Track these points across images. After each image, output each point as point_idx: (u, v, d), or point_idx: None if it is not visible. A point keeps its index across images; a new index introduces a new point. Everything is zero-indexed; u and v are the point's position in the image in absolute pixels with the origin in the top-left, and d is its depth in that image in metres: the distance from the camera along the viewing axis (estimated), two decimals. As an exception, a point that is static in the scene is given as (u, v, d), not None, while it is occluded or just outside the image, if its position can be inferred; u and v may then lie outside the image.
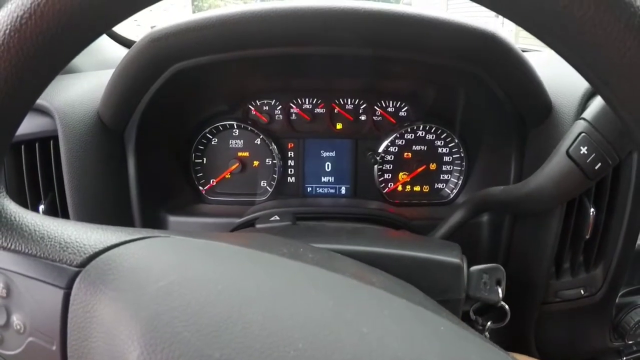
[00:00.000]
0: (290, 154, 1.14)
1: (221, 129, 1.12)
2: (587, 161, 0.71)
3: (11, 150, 0.91)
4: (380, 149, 1.11)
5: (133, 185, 0.95)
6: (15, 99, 0.38)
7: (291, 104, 1.12)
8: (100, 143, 0.90)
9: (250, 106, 1.12)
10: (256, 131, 1.11)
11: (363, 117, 1.12)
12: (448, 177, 1.13)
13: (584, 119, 0.73)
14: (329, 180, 1.15)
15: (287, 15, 0.76)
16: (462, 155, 1.11)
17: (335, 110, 1.12)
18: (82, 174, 0.87)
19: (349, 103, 1.12)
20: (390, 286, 0.52)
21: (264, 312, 0.34)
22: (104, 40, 1.32)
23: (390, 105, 1.12)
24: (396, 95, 1.11)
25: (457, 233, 0.89)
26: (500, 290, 0.71)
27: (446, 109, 1.07)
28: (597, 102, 0.73)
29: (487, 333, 0.80)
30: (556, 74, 0.88)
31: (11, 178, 0.92)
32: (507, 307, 0.75)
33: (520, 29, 0.36)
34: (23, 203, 0.92)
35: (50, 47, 0.37)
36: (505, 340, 1.00)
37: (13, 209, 0.42)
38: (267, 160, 1.14)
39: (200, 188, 1.14)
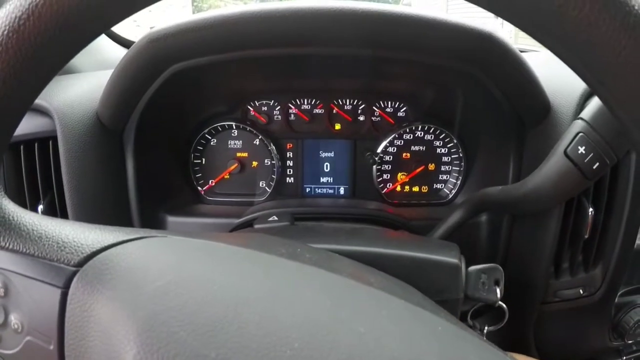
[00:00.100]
0: (289, 154, 1.14)
1: (220, 129, 1.12)
2: (585, 161, 0.71)
3: (10, 151, 0.91)
4: (379, 150, 1.11)
5: (132, 186, 0.95)
6: (14, 99, 0.38)
7: (290, 105, 1.12)
8: (99, 143, 0.90)
9: (249, 107, 1.12)
10: (255, 132, 1.11)
11: (362, 118, 1.12)
12: (447, 177, 1.13)
13: (581, 118, 0.73)
14: (327, 180, 1.16)
15: (286, 15, 0.76)
16: (461, 155, 1.11)
17: (334, 111, 1.13)
18: (81, 174, 0.87)
19: (348, 103, 1.12)
20: (388, 286, 0.52)
21: (260, 312, 0.34)
22: (103, 40, 1.32)
23: (389, 106, 1.12)
24: (395, 96, 1.11)
25: (455, 233, 0.89)
26: (498, 291, 0.71)
27: (445, 109, 1.07)
28: (595, 102, 0.73)
29: (484, 338, 0.80)
30: (554, 74, 0.88)
31: (10, 178, 0.92)
32: (505, 306, 0.75)
33: (519, 29, 0.36)
34: (22, 203, 0.92)
35: (48, 47, 0.37)
36: (504, 340, 1.00)
37: (11, 208, 0.42)
38: (265, 161, 1.14)
39: (199, 188, 1.14)
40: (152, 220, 1.00)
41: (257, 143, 1.13)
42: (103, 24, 0.39)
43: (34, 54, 0.36)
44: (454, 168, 1.12)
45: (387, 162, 1.13)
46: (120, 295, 0.36)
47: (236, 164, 1.12)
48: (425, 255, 0.68)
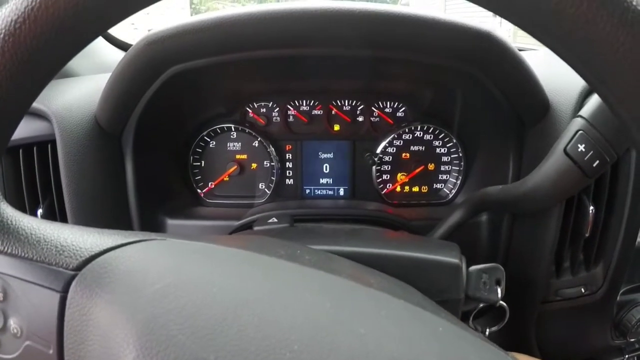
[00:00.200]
0: (288, 156, 1.14)
1: (219, 131, 1.12)
2: (585, 159, 0.71)
3: (9, 155, 0.91)
4: (378, 150, 1.11)
5: (131, 189, 0.95)
6: (11, 103, 0.38)
7: (288, 106, 1.12)
8: (98, 147, 0.90)
9: (247, 108, 1.12)
10: (254, 133, 1.11)
11: (360, 118, 1.12)
12: (446, 177, 1.13)
13: (581, 116, 0.73)
14: (327, 181, 1.15)
15: (284, 16, 0.76)
16: (460, 155, 1.10)
17: (333, 112, 1.12)
18: (80, 177, 0.87)
19: (347, 104, 1.12)
20: (388, 287, 0.52)
21: (259, 314, 0.34)
22: (101, 43, 1.32)
23: (388, 106, 1.12)
24: (393, 96, 1.11)
25: (456, 233, 0.89)
26: (499, 290, 0.71)
27: (444, 109, 1.06)
28: (594, 100, 0.73)
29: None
30: (553, 72, 0.88)
31: (9, 182, 0.92)
32: (506, 306, 0.75)
33: (517, 28, 0.36)
34: (21, 207, 0.93)
35: (44, 51, 0.37)
36: (505, 340, 1.00)
37: (9, 212, 0.42)
38: (265, 163, 1.14)
39: (199, 191, 1.14)
40: (151, 223, 1.00)
41: (256, 145, 1.13)
42: (99, 27, 0.39)
43: (31, 57, 0.36)
44: (453, 168, 1.12)
45: (386, 163, 1.13)
46: (119, 298, 0.36)
47: (235, 166, 1.12)
48: (425, 256, 0.68)
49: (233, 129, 1.12)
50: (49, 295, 0.38)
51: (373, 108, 1.12)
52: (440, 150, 1.12)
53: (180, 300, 0.34)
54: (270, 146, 1.11)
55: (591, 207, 0.88)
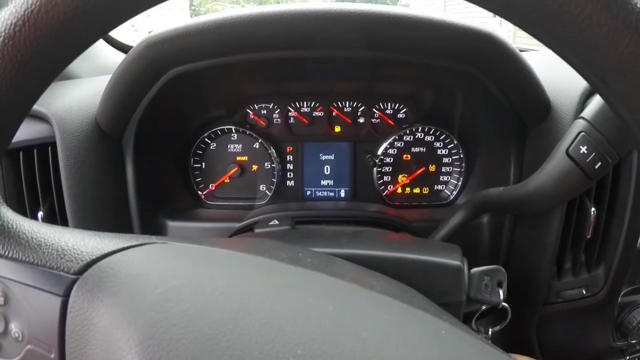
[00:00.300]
0: (289, 157, 1.14)
1: (219, 133, 1.12)
2: (587, 160, 0.71)
3: (9, 157, 0.91)
4: (379, 152, 1.11)
5: (132, 191, 0.95)
6: (11, 106, 0.38)
7: (289, 108, 1.12)
8: (99, 149, 0.90)
9: (248, 110, 1.12)
10: (254, 135, 1.11)
11: (361, 120, 1.12)
12: (448, 178, 1.13)
13: (583, 118, 0.73)
14: (328, 183, 1.15)
15: (284, 18, 0.76)
16: (462, 156, 1.10)
17: (334, 113, 1.12)
18: (80, 180, 0.87)
19: (347, 106, 1.12)
20: (390, 290, 0.52)
21: (262, 318, 0.33)
22: (101, 46, 1.32)
23: (389, 108, 1.12)
24: (394, 98, 1.11)
25: (457, 235, 0.89)
26: (501, 292, 0.71)
27: (445, 110, 1.06)
28: (596, 101, 0.73)
29: (489, 341, 0.80)
30: (554, 73, 0.88)
31: (10, 184, 0.92)
32: (508, 307, 0.75)
33: (518, 28, 0.36)
34: (22, 210, 0.92)
35: (44, 54, 0.36)
36: (507, 341, 1.00)
37: (10, 216, 0.42)
38: (265, 164, 1.13)
39: (199, 193, 1.14)
40: (152, 225, 1.00)
41: (257, 146, 1.13)
42: (99, 30, 0.39)
43: (30, 60, 0.36)
44: (454, 169, 1.12)
45: (387, 164, 1.13)
46: (121, 302, 0.36)
47: (236, 168, 1.12)
48: (427, 258, 0.68)
49: (234, 131, 1.12)
50: (50, 299, 0.38)
51: (374, 109, 1.12)
52: (441, 151, 1.12)
53: (183, 305, 0.34)
54: (271, 148, 1.11)
55: (593, 209, 0.88)
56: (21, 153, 0.91)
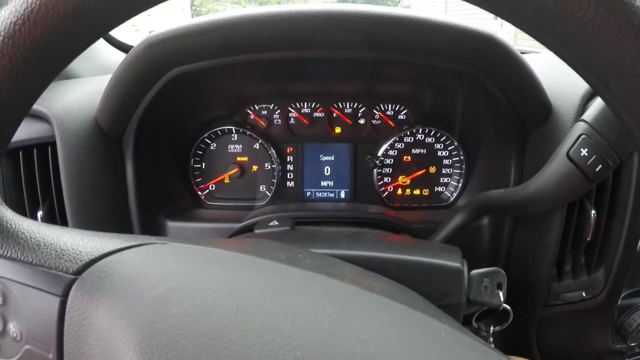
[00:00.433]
0: (289, 158, 1.14)
1: (220, 133, 1.11)
2: (588, 163, 0.71)
3: (9, 157, 0.91)
4: (380, 153, 1.11)
5: (131, 191, 0.94)
6: (10, 105, 0.38)
7: (290, 108, 1.12)
8: (98, 149, 0.90)
9: (248, 111, 1.12)
10: (255, 136, 1.11)
11: (362, 121, 1.12)
12: (448, 180, 1.12)
13: (584, 120, 0.73)
14: (328, 184, 1.15)
15: (285, 18, 0.76)
16: (462, 158, 1.10)
17: (334, 114, 1.12)
18: (80, 179, 0.87)
19: (348, 107, 1.12)
20: (390, 291, 0.52)
21: (261, 319, 0.33)
22: (102, 45, 1.32)
23: (389, 109, 1.11)
24: (395, 99, 1.11)
25: (457, 236, 0.89)
26: (501, 294, 0.71)
27: (445, 112, 1.06)
28: (597, 104, 0.73)
29: (491, 338, 0.80)
30: (555, 75, 0.88)
31: (9, 184, 0.92)
32: (509, 308, 0.75)
33: (518, 31, 0.35)
34: (21, 209, 0.92)
35: (44, 53, 0.36)
36: (507, 343, 1.00)
37: (9, 216, 0.42)
38: (266, 165, 1.13)
39: (199, 193, 1.14)
40: (152, 226, 1.00)
41: (257, 147, 1.13)
42: (99, 29, 0.39)
43: (30, 59, 0.36)
44: (455, 171, 1.12)
45: (387, 166, 1.13)
46: (120, 303, 0.35)
47: (236, 168, 1.11)
48: (427, 260, 0.68)
49: (234, 131, 1.12)
50: (48, 299, 0.38)
51: (374, 110, 1.12)
52: (441, 153, 1.12)
53: (182, 305, 0.34)
54: (271, 148, 1.11)
55: (593, 211, 0.87)
56: (21, 153, 0.91)
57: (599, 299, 0.96)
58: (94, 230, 0.45)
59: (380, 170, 1.13)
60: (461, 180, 1.11)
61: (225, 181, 1.13)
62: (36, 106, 0.88)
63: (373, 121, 1.12)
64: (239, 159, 1.13)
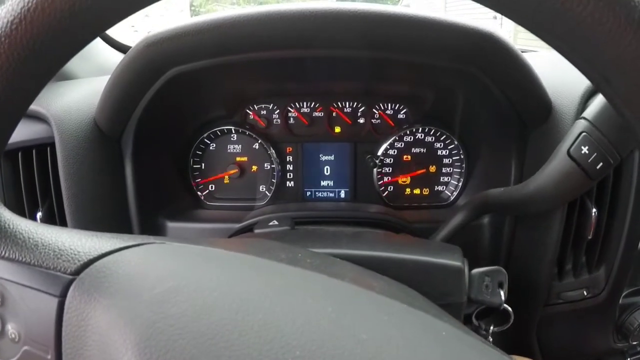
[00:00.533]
0: (289, 158, 1.14)
1: (219, 133, 1.11)
2: (589, 161, 0.71)
3: (8, 158, 0.91)
4: (379, 152, 1.11)
5: (131, 191, 0.94)
6: (7, 105, 0.38)
7: (289, 108, 1.12)
8: (97, 149, 0.89)
9: (248, 110, 1.12)
10: (254, 136, 1.11)
11: (361, 120, 1.12)
12: (448, 179, 1.12)
13: (584, 118, 0.73)
14: (328, 184, 1.15)
15: (284, 17, 0.75)
16: (462, 157, 1.10)
17: (334, 114, 1.12)
18: (79, 180, 0.87)
19: (347, 106, 1.12)
20: (390, 291, 0.51)
21: (261, 319, 0.33)
22: (100, 46, 1.32)
23: (389, 108, 1.11)
24: (394, 98, 1.11)
25: (457, 235, 0.89)
26: (502, 293, 0.71)
27: (445, 111, 1.06)
28: (598, 101, 0.73)
29: (490, 338, 0.79)
30: (555, 74, 0.87)
31: (8, 185, 0.92)
32: (510, 309, 0.75)
33: (518, 29, 0.35)
34: (20, 210, 0.92)
35: (41, 52, 0.36)
36: (507, 342, 1.00)
37: (7, 216, 0.42)
38: (265, 165, 1.13)
39: (199, 193, 1.13)
40: (151, 226, 1.00)
41: (257, 147, 1.12)
42: (96, 28, 0.39)
43: (27, 58, 0.36)
44: (455, 170, 1.11)
45: (387, 165, 1.12)
46: (118, 303, 0.35)
47: (236, 169, 1.11)
48: (427, 259, 0.67)
49: (233, 131, 1.11)
50: (47, 300, 0.38)
51: (374, 110, 1.11)
52: (441, 152, 1.11)
53: (180, 305, 0.34)
54: (271, 148, 1.11)
55: (594, 210, 0.87)
56: (20, 154, 0.90)
57: (600, 298, 0.96)
58: (94, 231, 0.45)
59: (380, 170, 1.12)
60: (461, 180, 1.11)
61: (225, 181, 1.13)
62: (35, 107, 0.88)
63: (373, 120, 1.12)
64: (238, 159, 1.13)
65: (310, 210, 1.09)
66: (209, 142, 1.12)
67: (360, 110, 1.12)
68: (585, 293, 0.95)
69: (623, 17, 0.28)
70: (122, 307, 0.35)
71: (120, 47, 1.38)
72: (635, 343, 1.07)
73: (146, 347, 0.31)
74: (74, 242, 0.41)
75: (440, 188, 1.13)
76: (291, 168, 1.14)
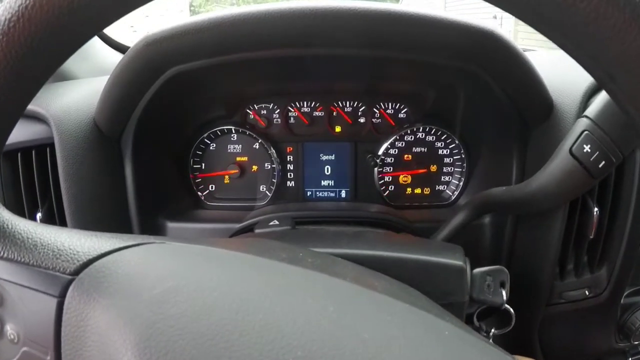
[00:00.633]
0: (289, 157, 1.14)
1: (219, 133, 1.11)
2: (591, 159, 0.70)
3: (8, 158, 0.91)
4: (380, 152, 1.10)
5: (131, 192, 0.94)
6: (6, 103, 0.38)
7: (289, 108, 1.11)
8: (97, 149, 0.89)
9: (248, 110, 1.12)
10: (254, 135, 1.10)
11: (362, 120, 1.12)
12: (449, 178, 1.12)
13: (586, 116, 0.72)
14: (328, 183, 1.15)
15: (284, 16, 0.75)
16: (463, 156, 1.10)
17: (334, 113, 1.12)
18: (78, 180, 0.87)
19: (348, 105, 1.11)
20: (392, 290, 0.51)
21: (261, 319, 0.33)
22: (100, 46, 1.32)
23: (390, 107, 1.11)
24: (395, 97, 1.10)
25: (459, 235, 0.88)
26: (504, 293, 0.71)
27: (446, 110, 1.06)
28: (600, 100, 0.72)
29: (491, 340, 0.79)
30: (556, 73, 0.87)
31: (8, 186, 0.92)
32: (511, 310, 0.74)
33: (518, 29, 0.35)
34: (20, 211, 0.92)
35: (39, 50, 0.36)
36: (509, 342, 0.99)
37: (6, 216, 0.41)
38: (266, 165, 1.13)
39: (199, 193, 1.13)
40: (151, 227, 0.99)
41: (257, 147, 1.12)
42: (95, 26, 0.39)
43: (25, 56, 0.35)
44: (456, 169, 1.11)
45: (388, 164, 1.12)
46: (118, 303, 0.35)
47: (236, 169, 1.11)
48: (429, 258, 0.67)
49: (233, 131, 1.11)
50: (46, 300, 0.38)
51: (375, 109, 1.11)
52: (442, 151, 1.11)
53: (180, 305, 0.34)
54: (271, 148, 1.11)
55: (595, 209, 0.87)
56: (19, 154, 0.90)
57: (601, 298, 0.96)
58: (93, 231, 0.45)
59: (380, 169, 1.12)
60: (462, 179, 1.11)
61: (225, 181, 1.13)
62: (34, 107, 0.88)
63: (373, 120, 1.11)
64: (238, 159, 1.13)
65: (310, 210, 1.09)
66: (209, 142, 1.12)
67: (360, 110, 1.11)
68: (587, 293, 0.95)
69: (628, 12, 0.28)
70: (122, 308, 0.34)
71: (120, 48, 1.37)
72: (636, 343, 1.06)
73: (146, 348, 0.31)
74: (73, 242, 0.41)
75: (441, 187, 1.13)
76: (291, 168, 1.14)
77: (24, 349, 0.40)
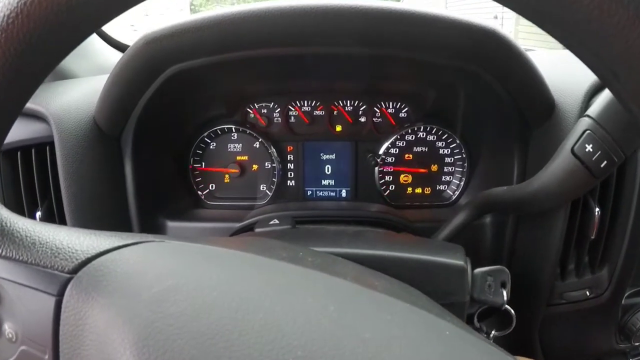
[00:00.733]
0: (290, 157, 1.13)
1: (219, 132, 1.11)
2: (593, 159, 0.70)
3: (7, 157, 0.91)
4: (381, 151, 1.10)
5: (131, 191, 0.94)
6: (4, 100, 0.37)
7: (290, 107, 1.11)
8: (97, 148, 0.89)
9: (248, 109, 1.11)
10: (255, 134, 1.10)
11: (363, 119, 1.11)
12: (450, 178, 1.12)
13: (588, 116, 0.72)
14: (329, 183, 1.15)
15: (284, 14, 0.75)
16: (464, 156, 1.10)
17: (335, 112, 1.12)
18: (78, 179, 0.86)
19: (349, 105, 1.11)
20: (392, 290, 0.51)
21: (261, 318, 0.33)
22: (100, 45, 1.32)
23: (390, 107, 1.11)
24: (396, 96, 1.10)
25: (459, 235, 0.88)
26: (505, 293, 0.70)
27: (447, 109, 1.06)
28: (602, 99, 0.72)
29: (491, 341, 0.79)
30: (557, 72, 0.87)
31: (7, 185, 0.92)
32: (512, 312, 0.74)
33: (519, 29, 0.35)
34: (20, 210, 0.92)
35: (38, 47, 0.36)
36: (509, 342, 0.99)
37: (4, 214, 0.41)
38: (266, 164, 1.13)
39: (199, 193, 1.13)
40: (151, 226, 0.99)
41: (257, 146, 1.12)
42: (94, 22, 0.38)
43: (24, 53, 0.35)
44: (457, 169, 1.11)
45: (389, 164, 1.12)
46: (116, 302, 0.35)
47: (236, 168, 1.11)
48: (429, 258, 0.67)
49: (234, 130, 1.11)
50: (44, 299, 0.38)
51: (375, 108, 1.11)
52: (443, 151, 1.11)
53: (180, 304, 0.33)
54: (272, 147, 1.11)
55: (597, 209, 0.87)
56: (19, 153, 0.90)
57: (602, 298, 0.95)
58: (89, 229, 0.44)
59: (381, 169, 1.12)
60: (463, 179, 1.10)
61: (225, 180, 1.13)
62: (34, 106, 0.88)
63: (374, 119, 1.11)
64: (239, 158, 1.12)
65: (311, 210, 1.09)
66: (209, 141, 1.12)
67: (361, 109, 1.11)
68: (588, 293, 0.94)
69: (632, 9, 0.28)
70: (120, 306, 0.34)
71: (120, 46, 1.37)
72: (637, 344, 1.06)
73: (144, 347, 0.31)
74: (72, 241, 0.40)
75: (442, 187, 1.13)
76: (292, 167, 1.14)
77: (22, 347, 0.40)
